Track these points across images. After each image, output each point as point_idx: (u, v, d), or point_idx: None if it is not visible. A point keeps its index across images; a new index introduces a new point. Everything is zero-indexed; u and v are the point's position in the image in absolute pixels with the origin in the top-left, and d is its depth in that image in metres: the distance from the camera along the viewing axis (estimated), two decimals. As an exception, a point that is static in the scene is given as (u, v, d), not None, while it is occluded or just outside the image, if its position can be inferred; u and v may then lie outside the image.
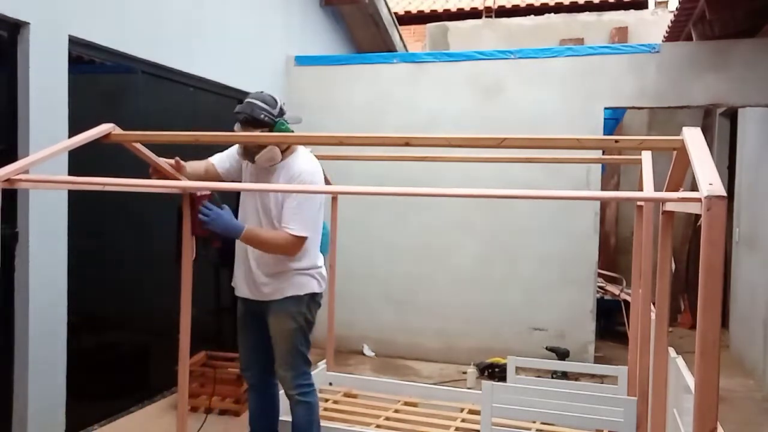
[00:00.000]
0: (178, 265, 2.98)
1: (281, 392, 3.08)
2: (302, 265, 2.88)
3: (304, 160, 2.87)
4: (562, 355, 5.10)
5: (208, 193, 2.76)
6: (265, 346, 2.97)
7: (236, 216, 2.92)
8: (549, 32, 8.25)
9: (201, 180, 2.88)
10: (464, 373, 5.00)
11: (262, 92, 2.84)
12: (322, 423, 3.17)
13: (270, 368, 3.00)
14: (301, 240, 2.76)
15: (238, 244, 2.94)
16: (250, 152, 2.79)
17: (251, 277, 2.89)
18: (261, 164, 2.80)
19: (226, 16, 4.98)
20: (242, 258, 2.94)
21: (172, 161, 2.77)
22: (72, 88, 3.52)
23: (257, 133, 2.71)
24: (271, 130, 2.73)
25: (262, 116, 2.72)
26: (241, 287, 2.97)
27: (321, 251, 5.93)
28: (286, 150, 2.84)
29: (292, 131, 2.82)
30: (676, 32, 5.65)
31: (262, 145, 2.73)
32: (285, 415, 3.17)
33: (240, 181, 2.98)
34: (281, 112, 2.80)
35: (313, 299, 2.95)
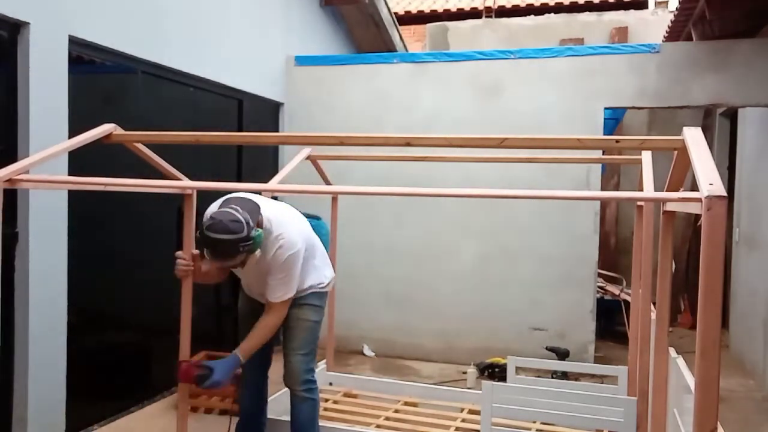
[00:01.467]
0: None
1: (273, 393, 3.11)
2: (312, 272, 2.99)
3: (275, 236, 2.74)
4: (562, 355, 5.10)
5: (194, 372, 2.76)
6: (268, 345, 2.98)
7: (238, 282, 3.06)
8: (549, 32, 8.25)
9: (214, 273, 2.91)
10: (464, 373, 5.00)
11: (229, 216, 2.50)
12: (322, 423, 3.18)
13: (268, 364, 3.09)
14: (284, 305, 2.83)
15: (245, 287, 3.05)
16: (240, 263, 2.65)
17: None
18: (252, 262, 2.72)
19: (226, 17, 4.98)
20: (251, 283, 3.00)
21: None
22: (72, 88, 3.52)
23: (239, 260, 2.58)
24: (251, 250, 2.57)
25: (244, 248, 2.51)
26: (250, 285, 3.04)
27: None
28: (257, 224, 2.67)
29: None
30: (676, 32, 5.65)
31: (242, 259, 2.59)
32: (285, 415, 3.17)
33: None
34: (248, 224, 2.52)
35: (326, 296, 3.11)
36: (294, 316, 2.93)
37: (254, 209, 2.60)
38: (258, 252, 2.63)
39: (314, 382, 3.00)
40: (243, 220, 2.48)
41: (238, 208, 2.53)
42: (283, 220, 2.80)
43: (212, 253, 2.50)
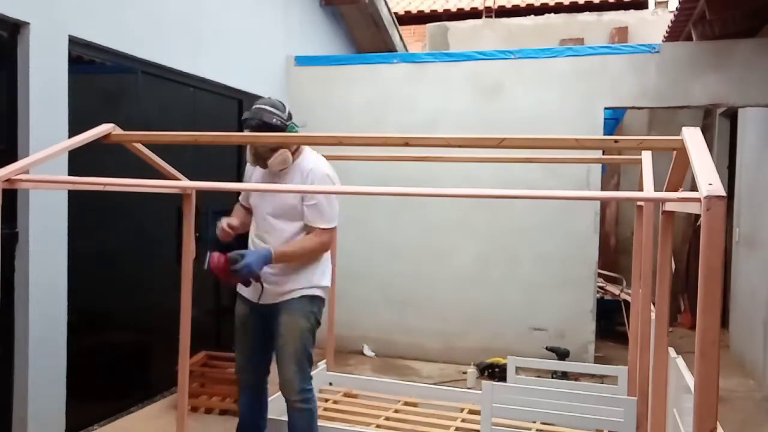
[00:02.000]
0: (178, 265, 2.99)
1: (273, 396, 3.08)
2: (316, 265, 2.93)
3: (311, 159, 2.90)
4: (562, 355, 5.10)
5: (225, 258, 2.74)
6: (265, 348, 2.97)
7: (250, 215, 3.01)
8: (549, 32, 8.25)
9: (246, 222, 2.98)
10: (464, 373, 5.00)
11: (270, 98, 2.89)
12: (323, 423, 3.17)
13: (266, 370, 3.02)
14: (331, 232, 2.85)
15: (254, 242, 2.96)
16: (262, 157, 2.80)
17: (266, 279, 2.87)
18: (273, 168, 2.81)
19: (226, 16, 4.98)
20: None
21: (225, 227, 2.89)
22: (72, 88, 3.52)
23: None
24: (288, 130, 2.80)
25: (274, 120, 2.75)
26: (250, 289, 2.94)
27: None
28: (294, 152, 2.87)
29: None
30: (676, 32, 5.65)
31: (274, 149, 2.75)
32: (284, 415, 3.17)
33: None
34: (290, 116, 2.85)
35: (323, 301, 3.00)
36: (286, 324, 2.85)
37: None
38: (283, 158, 2.76)
39: (310, 391, 2.92)
40: (286, 108, 2.84)
41: None
42: (319, 167, 2.88)
43: (251, 117, 2.74)
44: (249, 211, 3.05)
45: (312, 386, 2.94)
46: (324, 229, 2.81)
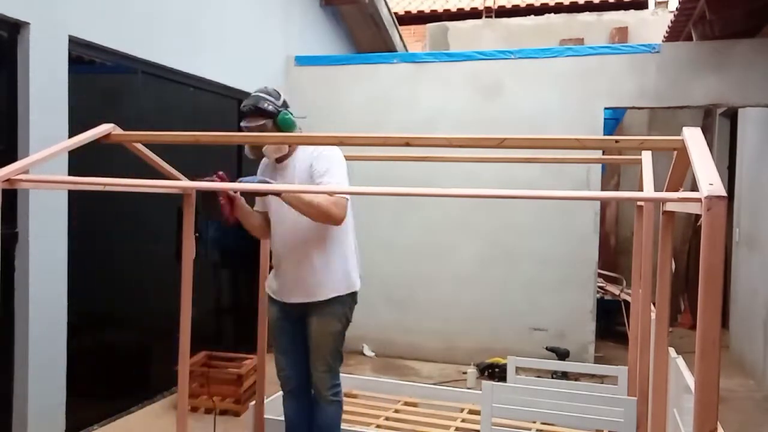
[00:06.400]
0: (178, 264, 2.98)
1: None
2: (342, 263, 2.87)
3: (311, 146, 2.83)
4: (562, 355, 5.10)
5: (222, 175, 2.68)
6: (303, 349, 2.91)
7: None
8: (549, 32, 8.25)
9: (263, 226, 2.96)
10: (464, 373, 5.00)
11: (266, 87, 2.92)
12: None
13: (308, 371, 2.95)
14: (344, 202, 2.67)
15: (277, 249, 2.89)
16: (257, 146, 2.82)
17: (293, 279, 2.83)
18: (269, 155, 2.82)
19: (225, 16, 4.98)
20: (282, 261, 2.87)
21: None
22: (72, 88, 3.52)
23: (262, 122, 2.75)
24: (275, 120, 2.77)
25: (266, 105, 2.77)
26: (281, 291, 2.90)
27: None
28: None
29: (296, 124, 2.84)
30: (676, 32, 5.65)
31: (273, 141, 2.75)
32: (281, 416, 3.16)
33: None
34: (285, 104, 2.86)
35: (354, 298, 2.95)
36: (317, 327, 2.81)
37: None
38: (284, 146, 2.74)
39: (339, 385, 2.92)
40: (281, 97, 2.86)
41: None
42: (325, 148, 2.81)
43: (245, 104, 2.78)
44: (264, 217, 2.98)
45: (340, 381, 2.95)
46: (338, 199, 2.66)
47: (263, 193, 2.72)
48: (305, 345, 2.90)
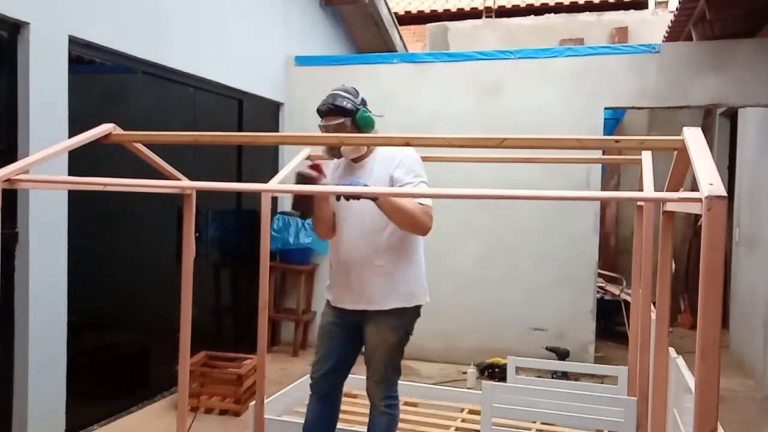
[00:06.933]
0: (178, 265, 2.98)
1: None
2: (410, 274, 2.77)
3: (392, 147, 2.73)
4: (562, 355, 5.10)
5: (319, 166, 2.63)
6: (349, 357, 2.87)
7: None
8: (549, 32, 8.24)
9: (333, 224, 2.82)
10: (464, 373, 5.00)
11: (343, 84, 2.84)
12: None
13: (344, 378, 2.92)
14: (431, 213, 2.61)
15: (341, 253, 2.78)
16: (335, 146, 2.68)
17: (357, 285, 2.73)
18: (347, 155, 2.72)
19: (226, 16, 4.98)
20: (347, 265, 2.77)
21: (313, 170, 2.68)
22: (72, 88, 3.52)
23: (341, 120, 2.65)
24: (354, 119, 2.68)
25: (345, 103, 2.69)
26: (341, 296, 2.81)
27: (320, 250, 5.93)
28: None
29: (375, 122, 2.76)
30: (676, 32, 5.65)
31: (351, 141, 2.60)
32: (284, 415, 3.17)
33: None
34: (363, 102, 2.78)
35: (418, 311, 2.82)
36: (374, 338, 2.72)
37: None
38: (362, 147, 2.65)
39: (395, 398, 2.83)
40: (359, 94, 2.80)
41: None
42: (407, 152, 2.73)
43: (323, 103, 2.70)
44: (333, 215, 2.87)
45: (397, 393, 2.85)
46: (427, 208, 2.58)
47: (357, 197, 2.49)
48: (354, 353, 2.84)
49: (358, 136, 2.61)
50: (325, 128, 2.69)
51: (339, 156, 2.76)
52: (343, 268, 2.79)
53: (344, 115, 2.67)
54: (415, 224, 2.59)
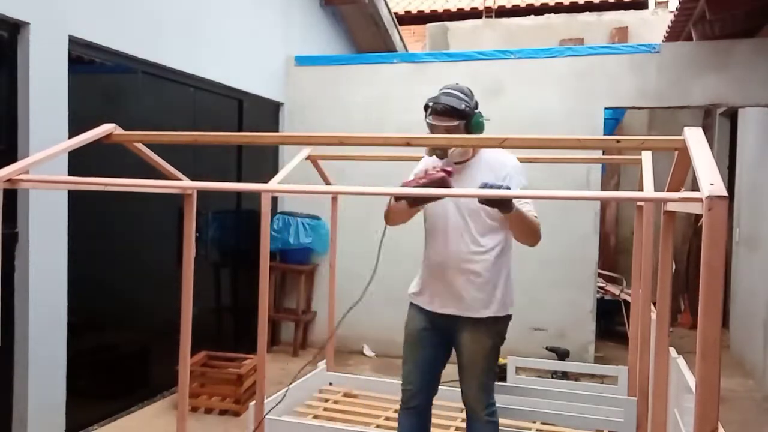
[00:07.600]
0: (178, 265, 2.98)
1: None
2: (507, 282, 2.78)
3: (498, 152, 2.67)
4: (562, 355, 5.10)
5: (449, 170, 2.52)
6: (438, 365, 2.80)
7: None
8: (549, 32, 8.24)
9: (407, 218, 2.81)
10: (464, 373, 4.99)
11: (457, 83, 2.73)
12: (321, 423, 3.16)
13: (436, 389, 2.84)
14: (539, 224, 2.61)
15: (435, 255, 2.76)
16: (441, 146, 2.56)
17: (452, 290, 2.68)
18: (454, 158, 2.63)
19: (226, 16, 4.98)
20: (441, 268, 2.73)
21: None
22: (72, 88, 3.52)
23: (455, 123, 2.57)
24: (468, 123, 2.60)
25: (463, 106, 2.59)
26: (433, 300, 2.75)
27: (320, 250, 5.93)
28: None
29: (484, 128, 2.70)
30: (676, 32, 5.65)
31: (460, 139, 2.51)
32: (285, 416, 3.17)
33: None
34: (476, 105, 2.70)
35: (510, 317, 2.82)
36: (469, 344, 2.67)
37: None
38: (468, 149, 2.57)
39: (494, 404, 2.74)
40: (474, 97, 2.70)
41: None
42: (515, 162, 2.70)
43: (437, 101, 2.58)
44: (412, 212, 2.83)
45: (495, 400, 2.78)
46: (538, 221, 2.56)
47: (492, 202, 2.42)
48: (444, 361, 2.79)
49: (358, 136, 2.61)
50: (434, 128, 2.60)
51: (442, 156, 2.64)
52: (436, 271, 2.74)
53: (460, 118, 2.58)
54: (533, 237, 2.61)
